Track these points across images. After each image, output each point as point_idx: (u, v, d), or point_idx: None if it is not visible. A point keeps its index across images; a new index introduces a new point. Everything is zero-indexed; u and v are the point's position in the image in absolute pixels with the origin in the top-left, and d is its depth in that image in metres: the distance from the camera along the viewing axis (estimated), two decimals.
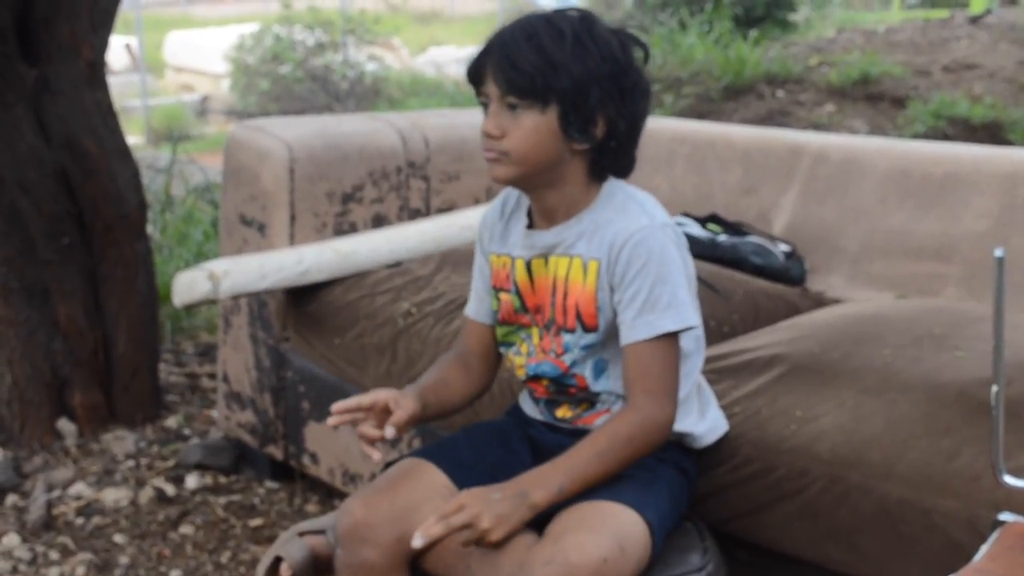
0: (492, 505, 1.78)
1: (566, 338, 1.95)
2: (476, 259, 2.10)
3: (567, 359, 1.96)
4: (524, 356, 2.02)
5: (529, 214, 2.00)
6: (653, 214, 1.90)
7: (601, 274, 1.90)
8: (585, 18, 1.87)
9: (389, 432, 1.89)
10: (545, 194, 1.93)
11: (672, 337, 1.88)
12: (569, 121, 1.85)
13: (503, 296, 2.02)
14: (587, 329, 1.92)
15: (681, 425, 1.98)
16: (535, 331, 2.00)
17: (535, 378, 2.01)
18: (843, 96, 7.63)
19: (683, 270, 1.90)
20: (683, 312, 1.87)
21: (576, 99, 1.83)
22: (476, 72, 1.88)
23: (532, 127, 1.84)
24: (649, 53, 1.94)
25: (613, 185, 1.94)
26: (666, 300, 1.85)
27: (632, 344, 1.87)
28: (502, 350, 2.08)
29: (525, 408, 2.10)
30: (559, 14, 1.87)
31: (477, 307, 2.11)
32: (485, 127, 1.87)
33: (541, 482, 1.82)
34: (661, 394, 1.87)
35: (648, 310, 1.85)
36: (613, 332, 1.92)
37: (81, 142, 3.34)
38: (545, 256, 1.95)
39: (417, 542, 1.76)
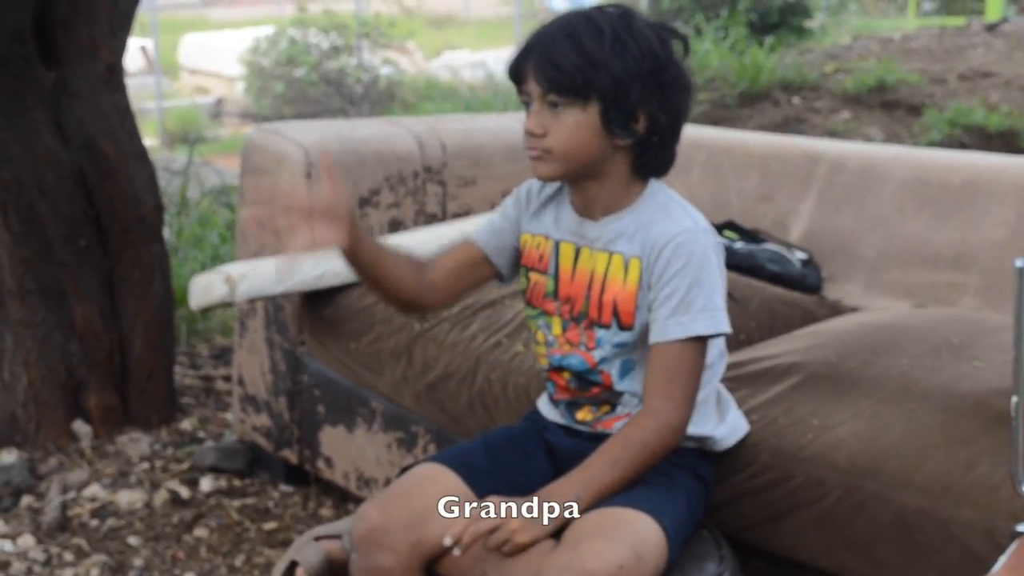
0: (518, 509, 1.80)
1: (599, 333, 1.95)
2: (505, 207, 2.08)
3: (597, 355, 1.96)
4: (544, 346, 2.02)
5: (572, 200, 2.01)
6: (696, 218, 1.92)
7: (643, 273, 1.90)
8: (624, 15, 1.88)
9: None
10: (586, 187, 1.94)
11: (701, 342, 1.88)
12: (611, 117, 1.86)
13: (534, 276, 2.02)
14: (623, 327, 1.93)
15: (700, 429, 1.99)
16: (556, 321, 2.00)
17: (558, 370, 2.02)
18: (859, 103, 7.62)
19: (719, 276, 1.90)
20: (717, 317, 1.88)
21: (617, 96, 1.84)
22: (517, 71, 1.90)
23: (574, 124, 1.86)
24: (689, 47, 1.94)
25: (655, 186, 1.95)
26: (701, 303, 1.86)
27: (661, 344, 1.88)
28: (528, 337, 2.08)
29: (543, 411, 2.10)
30: (598, 11, 1.88)
31: (487, 238, 2.08)
32: (528, 125, 1.88)
33: (558, 494, 1.84)
34: (679, 399, 1.88)
35: (682, 311, 1.86)
36: (646, 334, 1.92)
37: (99, 144, 3.34)
38: (590, 247, 1.96)
39: (448, 540, 1.79)
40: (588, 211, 1.97)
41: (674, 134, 1.93)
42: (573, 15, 1.88)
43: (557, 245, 2.00)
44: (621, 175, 1.93)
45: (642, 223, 1.92)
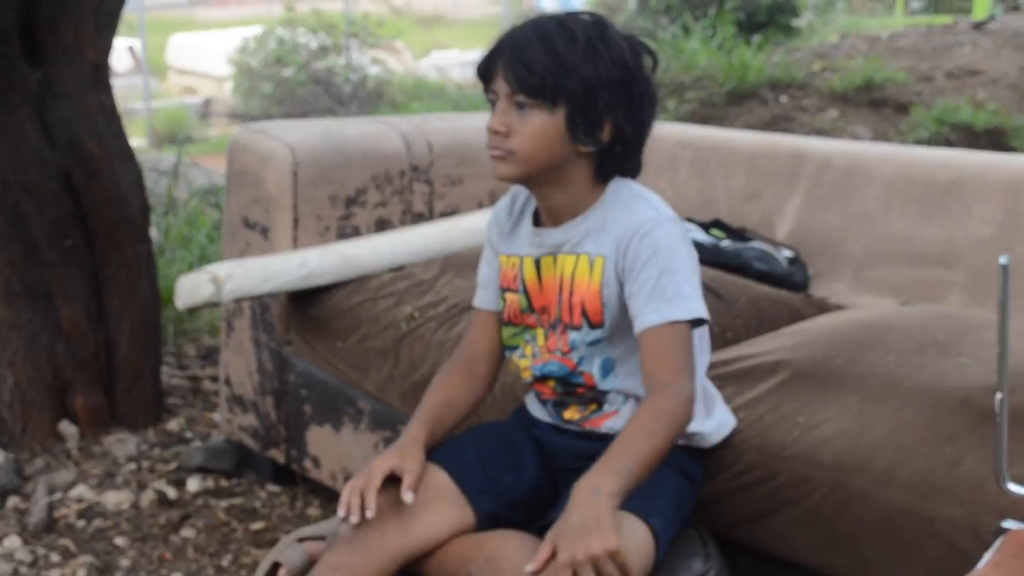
0: (579, 533, 1.71)
1: (572, 336, 1.95)
2: (485, 251, 2.11)
3: (574, 356, 1.96)
4: (529, 358, 2.02)
5: (535, 213, 2.01)
6: (659, 209, 1.92)
7: (607, 270, 1.91)
8: (598, 23, 1.89)
9: (408, 498, 1.87)
10: (549, 193, 1.94)
11: (684, 325, 1.87)
12: (576, 123, 1.86)
13: (509, 296, 2.03)
14: (593, 325, 1.93)
15: (689, 425, 1.99)
16: (540, 332, 2.00)
17: (542, 379, 2.02)
18: (846, 102, 7.63)
19: (690, 264, 1.90)
20: (690, 304, 1.87)
21: (584, 102, 1.85)
22: (486, 69, 1.90)
23: (539, 127, 1.86)
24: (658, 63, 1.95)
25: (619, 184, 1.95)
26: (672, 291, 1.86)
27: (645, 331, 1.87)
28: (507, 354, 2.08)
29: (532, 410, 2.10)
30: (572, 17, 1.89)
31: (483, 295, 2.10)
32: (492, 124, 1.88)
33: (606, 472, 1.77)
34: (684, 373, 1.86)
35: (656, 298, 1.86)
36: (620, 329, 1.92)
37: (85, 144, 3.34)
38: (553, 255, 1.96)
39: None
40: (553, 218, 1.97)
41: (637, 145, 1.94)
42: (547, 18, 1.89)
43: (522, 261, 2.01)
44: (583, 181, 1.93)
45: (606, 221, 1.92)
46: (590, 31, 1.86)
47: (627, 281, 1.89)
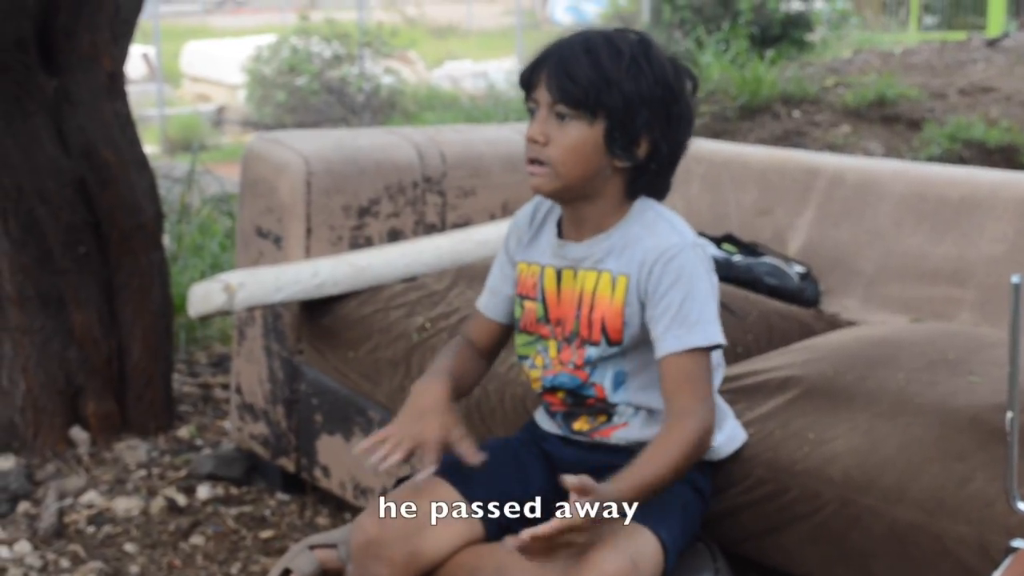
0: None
1: (589, 351, 1.96)
2: (499, 257, 2.12)
3: (587, 369, 1.97)
4: (540, 369, 2.03)
5: (558, 223, 2.02)
6: (683, 233, 1.93)
7: (630, 289, 1.92)
8: (643, 41, 1.91)
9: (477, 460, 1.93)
10: (579, 206, 1.96)
11: (703, 352, 1.89)
12: (614, 138, 1.88)
13: (527, 304, 2.04)
14: (611, 343, 1.94)
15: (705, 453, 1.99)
16: (552, 343, 2.01)
17: (551, 390, 2.02)
18: (859, 117, 7.61)
19: (711, 289, 1.92)
20: (710, 330, 1.89)
21: (624, 117, 1.87)
22: (529, 78, 1.91)
23: (578, 138, 1.87)
24: (698, 85, 1.96)
25: (644, 203, 1.96)
26: (695, 316, 1.87)
27: (666, 357, 1.88)
28: (518, 361, 2.09)
29: (541, 423, 2.10)
30: (618, 33, 1.92)
31: (487, 299, 2.13)
32: (530, 132, 1.90)
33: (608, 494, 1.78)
34: (705, 400, 1.88)
35: (678, 324, 1.87)
36: (634, 344, 1.93)
37: (100, 152, 3.35)
38: (573, 268, 1.97)
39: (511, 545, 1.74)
40: (577, 231, 1.98)
41: (672, 164, 1.96)
42: (593, 32, 1.91)
43: (543, 270, 2.02)
44: (614, 197, 1.95)
45: (629, 240, 1.93)
46: (635, 48, 1.89)
47: (649, 304, 1.90)
